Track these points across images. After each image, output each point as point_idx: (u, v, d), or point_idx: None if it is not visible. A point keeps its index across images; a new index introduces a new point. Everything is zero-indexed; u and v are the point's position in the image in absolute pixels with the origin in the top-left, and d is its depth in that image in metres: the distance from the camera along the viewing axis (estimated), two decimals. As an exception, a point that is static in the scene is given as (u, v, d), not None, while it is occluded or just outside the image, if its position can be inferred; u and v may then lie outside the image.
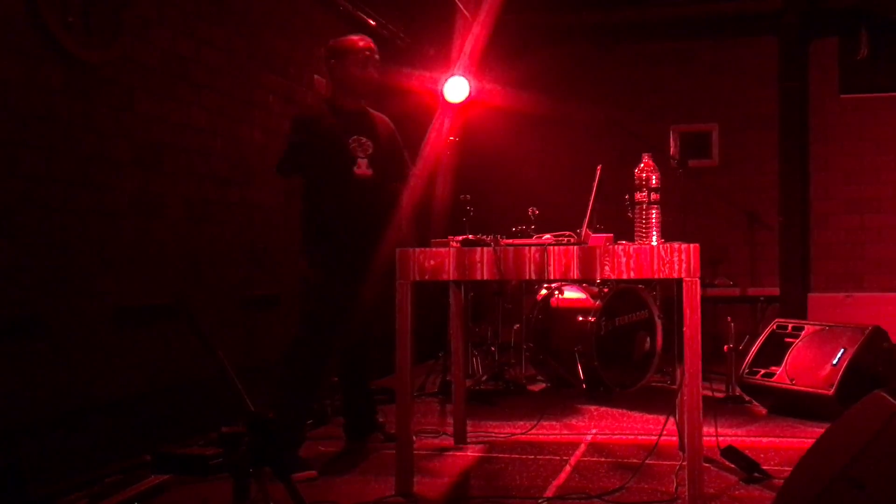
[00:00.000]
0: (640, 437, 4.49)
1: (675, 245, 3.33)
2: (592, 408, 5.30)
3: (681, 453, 3.88)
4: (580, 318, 5.66)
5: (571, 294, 5.91)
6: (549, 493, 3.53)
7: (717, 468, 3.80)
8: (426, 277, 3.54)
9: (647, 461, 3.85)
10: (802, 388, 4.85)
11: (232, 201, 5.00)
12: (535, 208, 5.40)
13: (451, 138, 6.62)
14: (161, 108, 4.38)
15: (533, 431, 4.65)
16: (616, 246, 3.41)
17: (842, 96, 8.01)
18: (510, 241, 3.64)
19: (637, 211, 3.50)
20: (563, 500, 3.44)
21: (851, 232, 7.98)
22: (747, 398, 5.29)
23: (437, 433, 4.66)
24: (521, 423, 4.82)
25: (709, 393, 5.11)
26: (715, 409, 4.71)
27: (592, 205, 3.74)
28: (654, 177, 3.48)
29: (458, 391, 4.46)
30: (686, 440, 3.35)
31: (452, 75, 6.99)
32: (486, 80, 7.59)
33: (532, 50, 8.20)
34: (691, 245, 3.30)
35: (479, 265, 3.49)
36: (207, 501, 3.40)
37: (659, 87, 8.38)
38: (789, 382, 4.93)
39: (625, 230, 3.60)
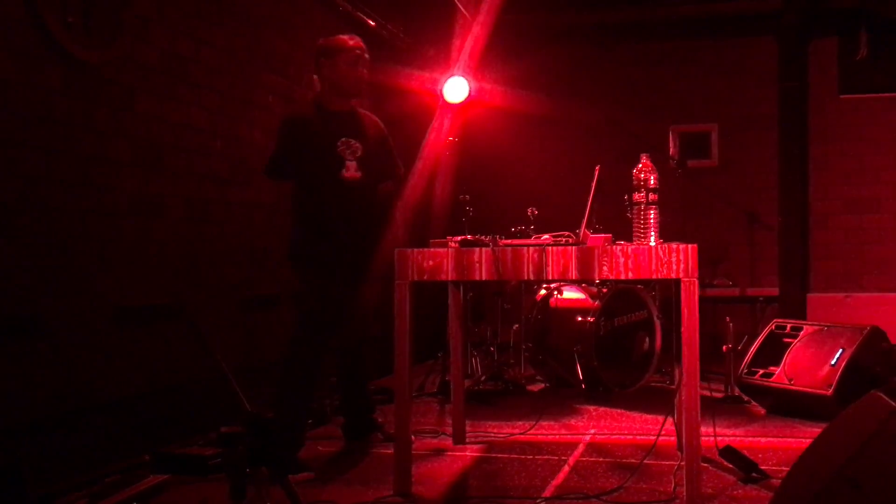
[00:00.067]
0: (638, 437, 4.50)
1: (673, 245, 3.34)
2: (591, 408, 5.31)
3: (679, 453, 3.88)
4: (579, 319, 5.66)
5: (570, 294, 5.92)
6: (548, 493, 3.54)
7: (715, 468, 3.80)
8: (425, 278, 3.55)
9: (645, 461, 3.86)
10: (801, 389, 4.85)
11: (232, 201, 5.01)
12: (534, 208, 5.41)
13: (451, 138, 6.64)
14: (161, 108, 4.39)
15: (532, 431, 4.65)
16: (614, 246, 3.42)
17: (841, 97, 8.01)
18: (508, 241, 3.65)
19: (635, 211, 3.51)
20: (562, 500, 3.45)
21: (851, 232, 7.99)
22: (746, 398, 5.29)
23: (435, 433, 4.67)
24: (520, 423, 4.83)
25: (707, 393, 5.12)
26: (713, 408, 4.72)
27: (591, 205, 3.75)
28: (652, 177, 3.49)
29: (456, 391, 4.47)
30: (684, 440, 3.36)
31: (452, 75, 7.00)
32: (485, 80, 7.59)
33: (531, 50, 8.21)
34: (689, 245, 3.31)
35: (477, 265, 3.49)
36: (207, 501, 3.40)
37: (658, 87, 8.39)
38: (788, 382, 4.93)
39: (624, 230, 3.60)
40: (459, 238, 3.66)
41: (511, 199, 6.32)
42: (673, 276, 3.31)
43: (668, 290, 5.01)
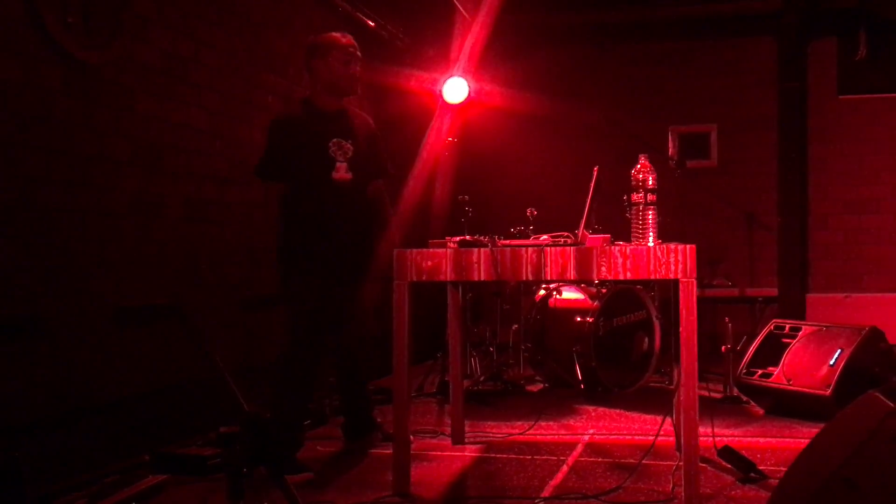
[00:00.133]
0: (637, 438, 4.50)
1: (672, 246, 3.34)
2: (590, 408, 5.31)
3: (678, 453, 3.89)
4: (578, 319, 5.67)
5: (570, 294, 5.93)
6: (546, 493, 3.54)
7: (713, 468, 3.81)
8: (423, 278, 3.55)
9: (643, 461, 3.86)
10: (799, 389, 4.86)
11: (232, 201, 5.02)
12: (533, 209, 5.41)
13: (450, 139, 6.65)
14: (161, 109, 4.39)
15: (530, 432, 4.66)
16: (612, 247, 3.43)
17: (840, 97, 8.02)
18: (507, 241, 3.66)
19: (634, 212, 3.51)
20: (560, 500, 3.45)
21: (850, 232, 7.99)
22: (745, 398, 5.30)
23: (434, 433, 4.68)
24: (519, 423, 4.84)
25: (706, 393, 5.13)
26: (712, 409, 4.72)
27: (589, 205, 3.75)
28: (650, 178, 3.50)
29: (455, 391, 4.48)
30: (683, 440, 3.37)
31: (451, 76, 7.02)
32: (484, 80, 7.61)
33: (530, 50, 8.22)
34: (687, 246, 3.32)
35: (476, 266, 3.50)
36: (205, 501, 3.41)
37: (657, 87, 8.39)
38: (786, 383, 4.94)
39: (623, 231, 3.61)
40: (458, 238, 3.67)
41: (510, 200, 6.33)
42: (671, 276, 3.32)
43: (668, 291, 5.01)
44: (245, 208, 5.14)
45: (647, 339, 5.86)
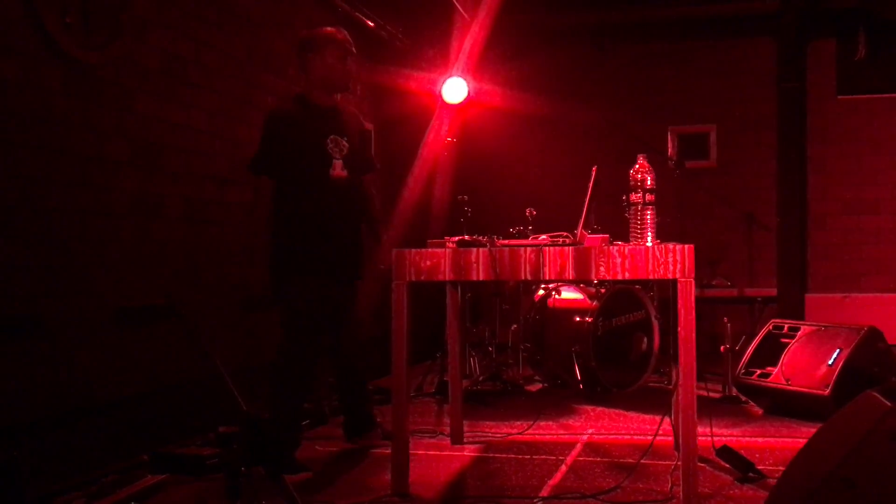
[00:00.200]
0: (636, 437, 4.51)
1: (670, 245, 3.35)
2: (589, 408, 5.32)
3: (676, 453, 3.89)
4: (577, 319, 5.67)
5: (569, 294, 5.93)
6: (545, 492, 3.55)
7: (712, 468, 3.82)
8: (422, 278, 3.56)
9: (642, 461, 3.87)
10: (798, 389, 4.86)
11: (231, 201, 5.03)
12: (532, 209, 5.42)
13: (449, 139, 6.67)
14: (160, 109, 4.40)
15: (529, 431, 4.67)
16: (611, 246, 3.43)
17: (839, 97, 8.03)
18: (506, 241, 3.66)
19: (632, 212, 3.52)
20: (559, 499, 3.46)
21: (849, 233, 8.00)
22: (743, 398, 5.30)
23: (434, 433, 4.68)
24: (518, 423, 4.84)
25: (705, 393, 5.13)
26: (711, 409, 4.72)
27: (588, 205, 3.76)
28: (649, 178, 3.50)
29: (454, 391, 4.48)
30: (681, 440, 3.37)
31: (451, 76, 7.03)
32: (484, 80, 7.62)
33: (530, 51, 8.22)
34: (686, 245, 3.32)
35: (475, 266, 3.50)
36: (204, 500, 3.42)
37: (657, 88, 8.40)
38: (785, 383, 4.94)
39: (622, 231, 3.61)
40: (457, 238, 3.67)
41: (509, 200, 6.33)
42: (670, 276, 3.32)
43: (667, 291, 5.02)
44: (245, 208, 5.14)
45: (645, 339, 5.87)
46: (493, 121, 7.99)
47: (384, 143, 7.24)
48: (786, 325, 5.32)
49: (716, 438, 3.98)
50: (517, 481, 3.72)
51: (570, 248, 3.44)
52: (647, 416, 5.01)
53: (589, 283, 5.81)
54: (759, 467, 3.73)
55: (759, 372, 5.12)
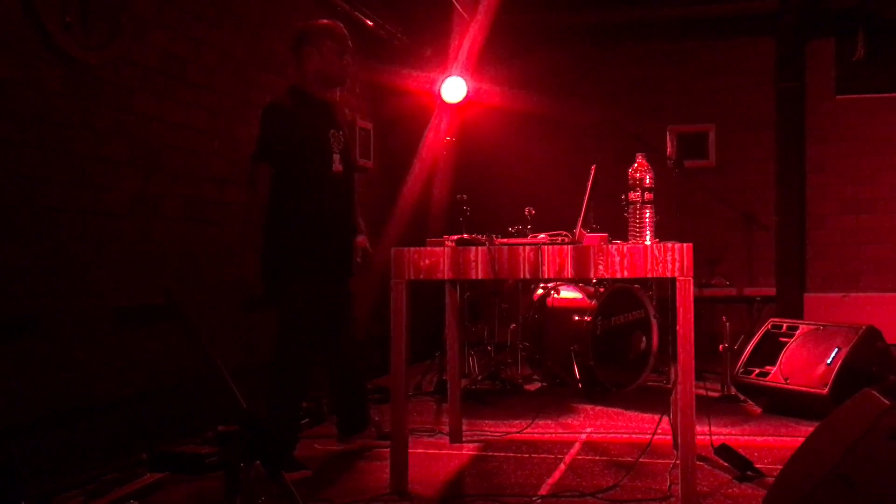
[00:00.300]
0: (634, 436, 4.51)
1: (669, 244, 3.35)
2: (588, 407, 5.33)
3: (675, 452, 3.90)
4: (576, 318, 5.68)
5: (568, 294, 5.94)
6: (544, 490, 3.56)
7: (710, 466, 3.82)
8: (421, 276, 3.56)
9: (641, 459, 3.88)
10: (797, 388, 4.87)
11: (231, 201, 5.02)
12: (531, 208, 5.42)
13: (449, 138, 6.67)
14: (159, 109, 4.40)
15: (528, 430, 4.67)
16: (610, 245, 3.44)
17: (838, 97, 8.02)
18: (505, 240, 3.66)
19: (631, 210, 3.52)
20: (558, 497, 3.46)
21: (847, 232, 8.00)
22: (742, 397, 5.31)
23: (432, 432, 4.69)
24: (517, 421, 4.85)
25: (703, 392, 5.14)
26: (709, 407, 4.73)
27: (587, 204, 3.77)
28: (647, 176, 3.51)
29: (453, 390, 4.49)
30: (679, 438, 3.38)
31: (450, 75, 7.04)
32: (483, 80, 7.63)
33: (529, 50, 8.22)
34: (684, 244, 3.32)
35: (473, 264, 3.51)
36: (203, 499, 3.42)
37: (656, 87, 8.40)
38: (784, 382, 4.95)
39: (622, 231, 3.62)
40: (456, 237, 3.68)
41: (508, 199, 6.33)
42: (668, 274, 3.33)
43: (665, 290, 5.03)
44: (244, 208, 5.15)
45: (644, 339, 5.87)
46: (493, 120, 7.99)
47: (383, 142, 7.25)
48: (784, 325, 5.33)
49: (714, 437, 3.98)
50: (516, 480, 3.73)
51: (569, 246, 3.45)
52: (645, 415, 5.01)
53: (588, 282, 5.82)
54: (758, 466, 3.74)
55: (757, 371, 5.13)
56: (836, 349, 4.83)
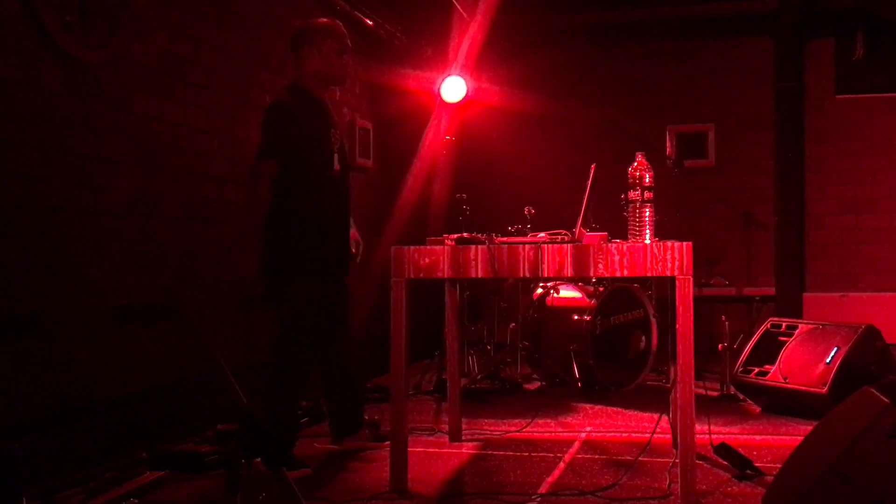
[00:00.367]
0: (633, 435, 4.52)
1: (668, 243, 3.35)
2: (587, 406, 5.33)
3: (674, 450, 3.90)
4: (576, 317, 5.68)
5: (567, 293, 5.94)
6: (543, 489, 3.56)
7: (709, 465, 3.83)
8: (421, 275, 3.56)
9: (640, 458, 3.88)
10: (796, 387, 4.87)
11: (230, 200, 5.03)
12: (531, 207, 5.43)
13: (448, 138, 6.68)
14: (159, 108, 4.41)
15: (528, 429, 4.68)
16: (610, 244, 3.44)
17: (837, 97, 8.03)
18: (505, 238, 3.67)
19: (631, 209, 3.53)
20: (557, 496, 3.47)
21: (847, 232, 8.01)
22: (741, 396, 5.31)
23: (432, 431, 4.69)
24: (517, 420, 4.85)
25: (703, 391, 5.14)
26: (709, 407, 4.74)
27: (587, 203, 3.77)
28: (647, 175, 3.51)
29: (453, 389, 4.49)
30: (679, 437, 3.38)
31: (449, 75, 7.04)
32: (482, 79, 7.63)
33: (529, 50, 8.23)
34: (684, 243, 3.33)
35: (473, 263, 3.51)
36: (203, 497, 3.43)
37: (655, 87, 8.41)
38: (783, 381, 4.95)
39: (621, 230, 3.63)
40: (456, 236, 3.68)
41: (508, 199, 6.34)
42: (668, 273, 3.33)
43: (665, 290, 5.03)
44: (245, 207, 5.15)
45: (644, 338, 5.88)
46: (492, 120, 7.99)
47: (383, 141, 7.25)
48: (784, 324, 5.33)
49: (714, 436, 3.99)
50: (515, 478, 3.73)
51: (569, 245, 3.45)
52: (645, 414, 5.02)
53: (587, 281, 5.83)
54: (757, 464, 3.74)
55: (756, 370, 5.13)
56: (836, 348, 4.83)
